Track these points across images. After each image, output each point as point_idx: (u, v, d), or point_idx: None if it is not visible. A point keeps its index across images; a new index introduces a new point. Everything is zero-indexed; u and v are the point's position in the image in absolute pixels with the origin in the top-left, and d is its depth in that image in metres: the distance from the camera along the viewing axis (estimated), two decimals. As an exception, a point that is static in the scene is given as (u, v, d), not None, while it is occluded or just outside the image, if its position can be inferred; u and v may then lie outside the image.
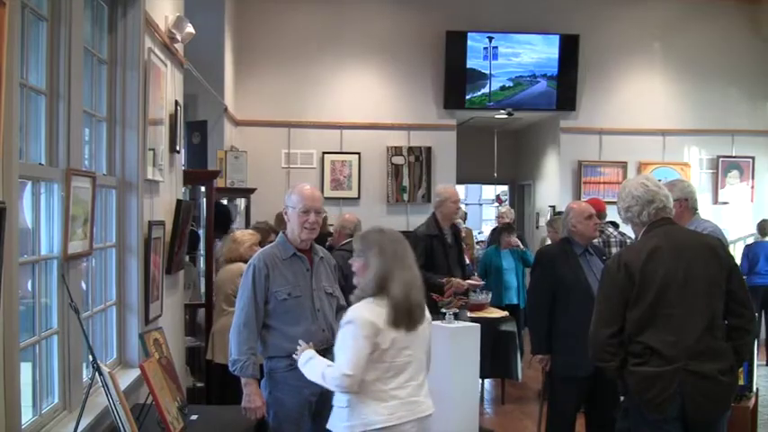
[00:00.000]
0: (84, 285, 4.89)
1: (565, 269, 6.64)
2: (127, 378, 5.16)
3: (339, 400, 4.54)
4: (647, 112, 14.24)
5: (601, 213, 8.42)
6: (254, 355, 5.22)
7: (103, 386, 4.11)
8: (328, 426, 4.66)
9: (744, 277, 12.54)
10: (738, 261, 10.84)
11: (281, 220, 9.64)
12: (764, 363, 12.48)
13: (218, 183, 9.32)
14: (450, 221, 8.34)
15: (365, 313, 4.46)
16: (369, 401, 4.46)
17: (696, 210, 6.56)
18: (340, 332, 4.52)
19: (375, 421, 4.45)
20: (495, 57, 13.62)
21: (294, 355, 4.74)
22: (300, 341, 4.79)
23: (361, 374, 4.38)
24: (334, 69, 13.46)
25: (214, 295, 7.72)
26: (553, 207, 14.52)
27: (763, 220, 13.47)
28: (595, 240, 8.34)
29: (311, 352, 4.70)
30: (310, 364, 4.63)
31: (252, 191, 10.96)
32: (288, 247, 5.40)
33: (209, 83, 9.81)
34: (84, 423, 4.06)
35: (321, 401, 5.35)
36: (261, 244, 7.38)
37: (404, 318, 4.52)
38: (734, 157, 14.56)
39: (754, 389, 6.99)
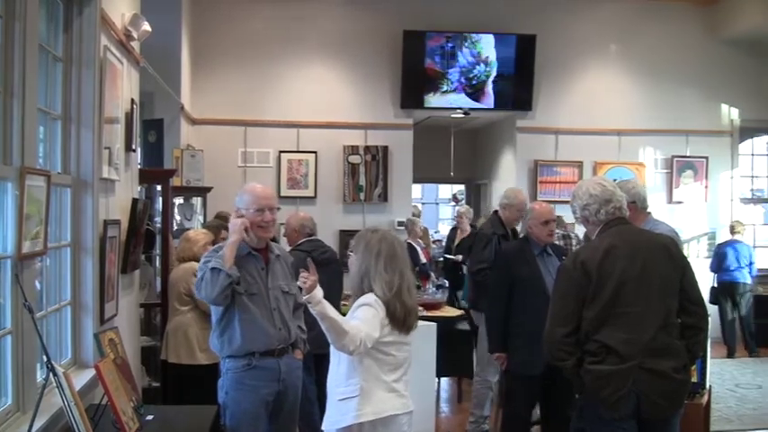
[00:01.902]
0: (38, 285, 4.85)
1: (522, 268, 6.68)
2: (82, 378, 5.11)
3: (344, 392, 4.57)
4: (602, 112, 14.33)
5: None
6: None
7: (58, 387, 4.07)
8: (324, 427, 4.67)
9: (714, 274, 12.89)
10: (691, 260, 11.07)
11: (220, 218, 9.63)
12: (724, 357, 12.73)
13: (175, 181, 9.27)
14: (512, 226, 8.28)
15: (377, 300, 4.57)
16: (378, 391, 4.55)
17: (647, 210, 6.65)
18: (357, 312, 4.57)
19: (384, 409, 4.55)
20: (452, 56, 13.65)
21: (299, 283, 4.50)
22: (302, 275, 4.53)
23: (368, 341, 4.44)
24: (292, 68, 13.43)
25: (168, 294, 7.68)
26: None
27: (735, 221, 13.86)
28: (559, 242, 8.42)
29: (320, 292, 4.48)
30: (327, 305, 4.43)
31: (208, 190, 10.91)
32: (242, 245, 5.38)
33: (166, 81, 9.76)
34: (37, 424, 4.02)
35: (278, 401, 5.36)
36: (213, 243, 7.35)
37: (401, 322, 4.61)
38: (688, 157, 14.69)
39: (707, 386, 7.06)
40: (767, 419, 9.55)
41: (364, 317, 4.49)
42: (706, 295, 13.33)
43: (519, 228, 8.12)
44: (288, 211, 9.34)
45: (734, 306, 13.34)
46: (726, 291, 13.40)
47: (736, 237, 13.52)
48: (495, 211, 8.42)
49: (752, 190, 15.97)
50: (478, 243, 8.19)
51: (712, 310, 13.12)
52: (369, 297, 4.58)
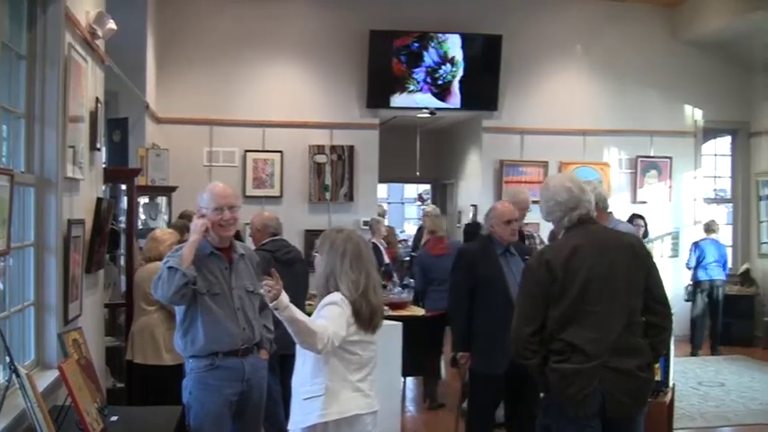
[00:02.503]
0: (0, 285, 4.81)
1: (485, 268, 6.69)
2: (45, 379, 5.07)
3: (309, 392, 4.55)
4: (568, 112, 14.41)
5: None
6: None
7: (21, 388, 4.04)
8: (289, 426, 4.66)
9: (690, 271, 13.11)
10: (655, 259, 11.17)
11: (184, 217, 9.58)
12: (688, 355, 12.85)
13: (140, 181, 9.20)
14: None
15: (344, 299, 4.56)
16: (343, 391, 4.54)
17: (608, 210, 6.73)
18: (323, 311, 4.55)
19: (349, 408, 4.54)
20: (419, 56, 13.66)
21: (262, 291, 4.44)
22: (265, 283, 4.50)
23: (335, 337, 4.42)
24: (258, 68, 13.41)
25: (133, 294, 7.64)
26: (475, 206, 14.62)
27: (711, 221, 14.08)
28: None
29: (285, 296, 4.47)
30: (294, 308, 4.40)
31: (173, 189, 10.85)
32: (205, 245, 5.37)
33: (131, 80, 9.70)
34: (0, 425, 3.98)
35: (242, 401, 5.35)
36: (179, 242, 7.31)
37: (367, 322, 4.61)
38: (652, 157, 14.80)
39: (671, 384, 7.12)
40: (729, 416, 9.65)
41: (330, 315, 4.48)
42: (681, 293, 13.53)
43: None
44: (253, 211, 9.32)
45: (708, 304, 13.49)
46: (702, 289, 13.61)
47: (712, 236, 13.68)
48: None
49: (715, 190, 16.12)
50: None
51: (683, 307, 13.34)
52: (335, 296, 4.57)
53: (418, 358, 9.53)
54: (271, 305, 4.33)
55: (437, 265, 10.15)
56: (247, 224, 8.16)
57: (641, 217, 11.99)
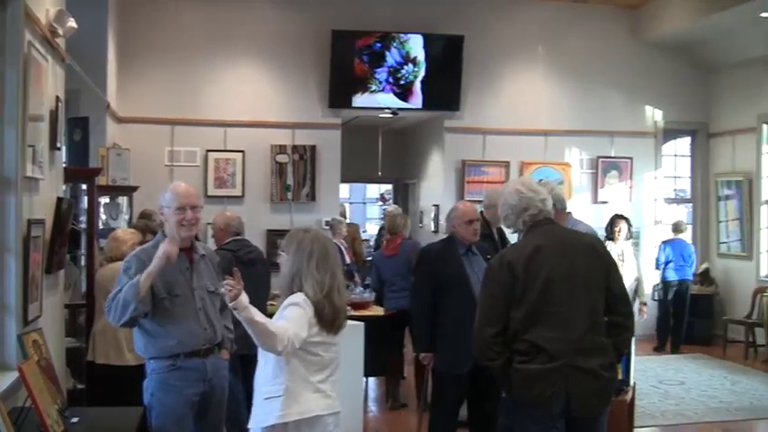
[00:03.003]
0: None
1: (447, 268, 6.70)
2: (4, 381, 5.02)
3: (270, 392, 4.55)
4: (529, 112, 14.47)
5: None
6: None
7: (-20, 389, 4.01)
8: (249, 425, 4.64)
9: (657, 270, 13.12)
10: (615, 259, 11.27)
11: (144, 216, 9.54)
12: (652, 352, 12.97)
13: (100, 180, 9.14)
14: (497, 225, 8.21)
15: (305, 299, 4.55)
16: (303, 392, 4.54)
17: (566, 210, 6.78)
18: (285, 312, 4.55)
19: (310, 409, 4.54)
20: (381, 56, 13.66)
21: (223, 290, 4.41)
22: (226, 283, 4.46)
23: (297, 345, 4.42)
24: (219, 67, 13.36)
25: (95, 295, 7.58)
26: (437, 206, 14.65)
27: (679, 221, 14.32)
28: None
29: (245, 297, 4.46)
30: (253, 309, 4.38)
31: (134, 189, 10.78)
32: (166, 245, 5.34)
33: (92, 79, 9.64)
34: (-40, 427, 3.95)
35: (204, 401, 5.32)
36: (141, 242, 7.27)
37: (330, 323, 4.61)
38: (613, 157, 14.91)
39: (632, 383, 7.17)
40: (689, 414, 9.73)
41: (292, 316, 4.48)
42: (648, 291, 13.67)
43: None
44: (215, 211, 9.30)
45: (674, 303, 13.64)
46: (671, 288, 13.85)
47: (680, 236, 13.84)
48: (481, 212, 8.37)
49: (675, 190, 16.25)
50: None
51: (652, 305, 13.48)
52: (297, 297, 4.57)
53: (380, 358, 9.54)
54: (230, 305, 4.32)
55: (388, 266, 10.22)
56: (209, 224, 8.11)
57: (624, 218, 11.78)
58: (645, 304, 11.34)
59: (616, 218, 11.71)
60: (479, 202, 8.50)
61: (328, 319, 4.59)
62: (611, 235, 11.34)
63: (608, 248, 9.29)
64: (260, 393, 4.64)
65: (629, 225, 11.70)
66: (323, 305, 4.56)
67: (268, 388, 4.58)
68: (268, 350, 4.43)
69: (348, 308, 8.46)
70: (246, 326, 4.35)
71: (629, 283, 9.89)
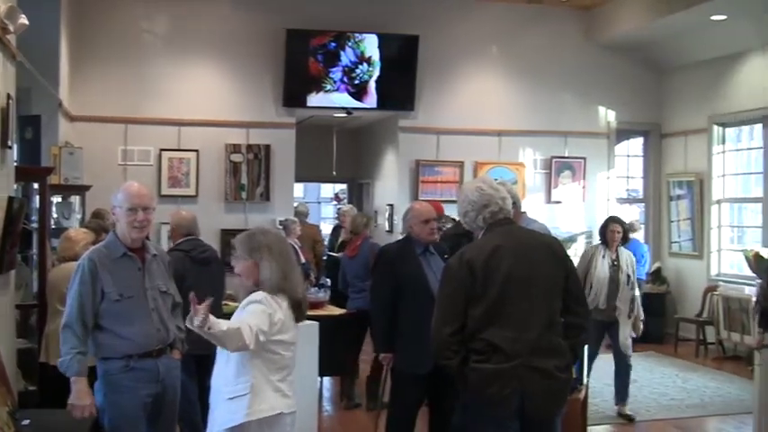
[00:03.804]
0: None
1: (405, 268, 6.70)
2: (-45, 382, 4.98)
3: (234, 391, 4.55)
4: (484, 112, 14.53)
5: (440, 216, 8.55)
6: (81, 354, 5.08)
7: (-70, 391, 3.96)
8: (212, 427, 4.62)
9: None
10: (573, 256, 11.27)
11: (97, 216, 9.47)
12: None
13: (52, 180, 9.07)
14: None
15: (265, 296, 4.58)
16: (267, 390, 4.57)
17: (521, 209, 6.84)
18: (245, 310, 4.57)
19: (273, 407, 4.57)
20: (336, 56, 13.66)
21: (196, 322, 4.38)
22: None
23: (251, 340, 4.41)
24: (174, 66, 13.29)
25: (47, 295, 7.51)
26: (391, 206, 14.67)
27: (634, 220, 14.40)
28: None
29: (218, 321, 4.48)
30: (219, 322, 4.41)
31: (87, 188, 10.70)
32: (118, 246, 5.30)
33: (44, 77, 9.55)
34: None
35: (157, 402, 5.29)
36: (94, 242, 7.21)
37: (300, 315, 4.74)
38: (566, 157, 15.00)
39: (585, 382, 7.23)
40: (641, 412, 9.81)
41: (252, 311, 4.52)
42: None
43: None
44: (169, 211, 9.25)
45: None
46: None
47: (633, 236, 13.91)
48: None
49: (627, 190, 16.36)
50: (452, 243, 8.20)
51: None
52: (258, 294, 4.59)
53: (335, 358, 9.53)
54: (198, 331, 4.33)
55: (350, 266, 10.26)
56: (163, 224, 8.05)
57: (619, 221, 10.17)
58: (642, 321, 9.98)
59: (611, 221, 10.19)
60: (433, 201, 8.54)
61: (294, 303, 4.73)
62: (605, 239, 9.88)
63: (603, 255, 9.45)
64: (221, 394, 4.62)
65: (625, 228, 10.15)
66: (286, 289, 4.70)
67: (231, 388, 4.57)
68: (239, 350, 4.45)
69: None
70: (215, 340, 4.37)
71: (625, 296, 9.55)
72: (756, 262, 9.68)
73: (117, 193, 5.35)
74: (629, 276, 9.62)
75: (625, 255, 9.82)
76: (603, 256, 9.66)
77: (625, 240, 9.99)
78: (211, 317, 4.35)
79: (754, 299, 10.02)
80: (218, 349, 4.55)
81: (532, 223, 7.02)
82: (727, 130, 14.32)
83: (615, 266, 9.63)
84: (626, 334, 9.57)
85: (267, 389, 4.58)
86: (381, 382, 7.67)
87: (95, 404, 5.20)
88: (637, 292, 9.84)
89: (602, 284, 9.51)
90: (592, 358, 9.21)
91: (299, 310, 4.79)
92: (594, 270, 9.58)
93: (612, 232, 9.78)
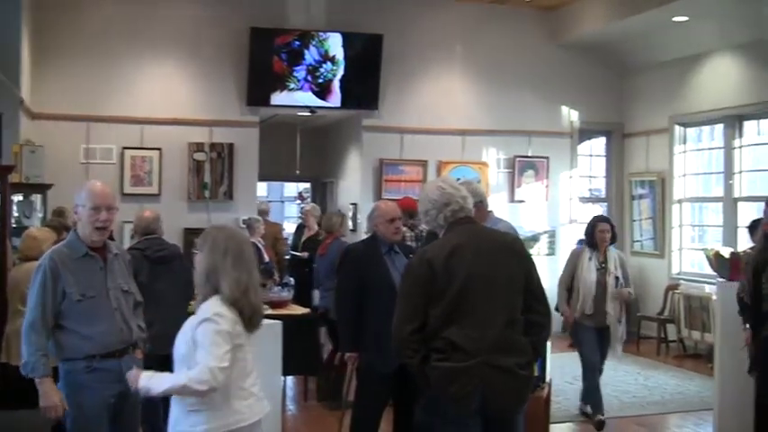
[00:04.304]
0: None
1: (370, 267, 6.71)
2: None
3: (194, 403, 4.35)
4: (447, 112, 14.57)
5: (412, 211, 8.57)
6: (45, 356, 5.05)
7: None
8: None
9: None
10: (536, 255, 11.29)
11: (58, 214, 9.43)
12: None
13: (13, 178, 9.01)
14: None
15: (219, 309, 4.37)
16: (231, 400, 4.38)
17: (487, 207, 6.86)
18: (197, 332, 4.34)
19: (236, 420, 4.38)
20: (300, 55, 13.64)
21: (131, 386, 4.51)
22: (128, 374, 4.58)
23: (230, 368, 4.29)
24: (137, 64, 13.20)
25: (8, 295, 7.46)
26: (355, 205, 14.67)
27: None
28: (408, 234, 8.47)
29: (145, 372, 4.50)
30: (158, 379, 4.40)
31: (48, 187, 10.63)
32: (79, 245, 5.26)
33: (5, 74, 9.50)
34: None
35: (120, 402, 5.25)
36: (56, 241, 7.17)
37: (248, 321, 4.48)
38: (530, 157, 15.06)
39: (547, 379, 7.27)
40: (604, 409, 9.85)
41: (204, 340, 4.30)
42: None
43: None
44: (132, 209, 9.22)
45: None
46: None
47: None
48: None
49: (590, 189, 16.46)
50: (427, 242, 8.20)
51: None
52: (206, 311, 4.40)
53: (299, 357, 9.52)
54: (144, 393, 4.39)
55: (321, 265, 10.30)
56: (126, 223, 8.00)
57: (606, 220, 9.62)
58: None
59: (598, 220, 9.56)
60: (405, 197, 8.55)
61: (247, 317, 4.46)
62: (592, 241, 9.26)
63: (590, 257, 9.03)
64: (182, 403, 4.43)
65: (613, 227, 9.45)
66: (242, 304, 4.44)
67: (192, 399, 4.40)
68: (206, 395, 4.30)
69: (265, 306, 8.47)
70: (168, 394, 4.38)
71: (612, 309, 9.09)
72: (717, 261, 9.75)
73: (80, 191, 5.31)
74: (617, 279, 9.15)
75: (614, 256, 9.30)
76: (590, 258, 9.16)
77: (613, 240, 9.37)
78: (161, 376, 4.40)
79: (714, 297, 10.12)
80: (178, 354, 4.46)
81: (499, 222, 7.04)
82: (689, 130, 14.45)
83: (603, 269, 9.13)
84: (617, 341, 9.27)
85: (235, 400, 4.40)
86: (346, 382, 7.67)
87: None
88: (630, 290, 9.42)
89: (589, 288, 9.04)
90: (594, 368, 9.21)
91: (251, 322, 4.52)
92: (581, 273, 9.14)
93: (602, 232, 9.18)
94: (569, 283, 9.29)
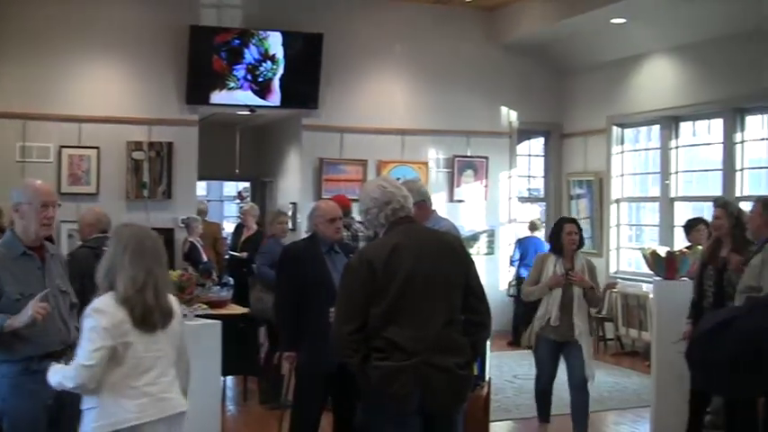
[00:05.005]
0: None
1: (309, 266, 6.70)
2: None
3: (87, 402, 4.37)
4: (387, 111, 14.58)
5: (346, 209, 8.58)
6: None
7: None
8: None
9: (512, 266, 12.79)
10: (475, 254, 11.31)
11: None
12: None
13: (-53, 177, 8.89)
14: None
15: (106, 305, 4.35)
16: (120, 399, 4.35)
17: (431, 206, 6.88)
18: (82, 325, 4.37)
19: (125, 419, 4.33)
20: (239, 53, 13.57)
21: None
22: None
23: (100, 366, 4.26)
24: (74, 61, 13.02)
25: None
26: (294, 204, 14.63)
27: (536, 219, 14.85)
28: (345, 233, 8.47)
29: (55, 366, 4.53)
30: (53, 371, 4.46)
31: (-18, 185, 10.49)
32: (17, 245, 5.21)
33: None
34: None
35: (58, 406, 5.19)
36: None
37: (139, 320, 4.41)
38: (469, 156, 15.12)
39: (487, 378, 7.31)
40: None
41: (82, 337, 4.36)
42: (497, 290, 14.05)
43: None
44: (69, 209, 9.12)
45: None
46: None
47: (536, 234, 14.17)
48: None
49: (529, 189, 16.58)
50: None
51: (505, 303, 13.89)
52: (90, 306, 4.42)
53: (239, 357, 9.49)
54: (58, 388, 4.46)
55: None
56: (63, 222, 7.88)
57: (573, 221, 8.70)
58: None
59: (564, 221, 8.69)
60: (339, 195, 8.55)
61: (137, 317, 4.41)
62: (557, 245, 8.29)
63: (555, 263, 8.14)
64: (82, 402, 4.47)
65: (580, 230, 8.40)
66: (134, 302, 4.41)
67: (86, 398, 4.41)
68: (78, 390, 4.37)
69: (204, 306, 8.47)
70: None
71: (583, 311, 8.21)
72: (653, 260, 9.86)
73: (24, 190, 5.28)
74: (584, 290, 8.16)
75: (581, 262, 8.28)
76: (556, 265, 8.15)
77: (580, 245, 8.29)
78: (55, 370, 4.47)
79: (651, 296, 10.24)
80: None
81: (441, 221, 7.06)
82: (626, 130, 14.62)
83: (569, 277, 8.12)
84: (588, 357, 8.30)
85: (123, 399, 4.36)
86: (285, 382, 7.66)
87: None
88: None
89: (554, 298, 8.11)
90: (548, 381, 8.57)
91: (144, 321, 4.45)
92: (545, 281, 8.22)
93: (569, 235, 8.17)
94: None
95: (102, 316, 4.33)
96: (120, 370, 4.36)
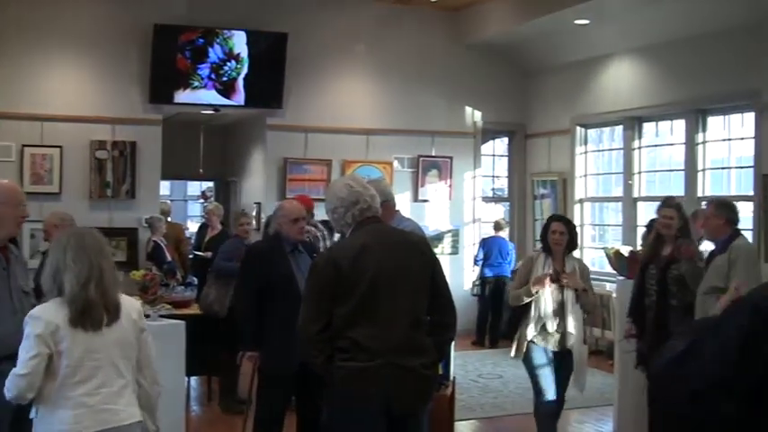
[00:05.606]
0: None
1: (273, 266, 6.70)
2: None
3: (32, 411, 4.31)
4: (352, 111, 14.58)
5: (308, 209, 8.57)
6: None
7: None
8: None
9: (476, 266, 12.79)
10: (440, 254, 11.33)
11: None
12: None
13: None
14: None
15: (43, 312, 4.29)
16: (55, 409, 4.24)
17: (395, 206, 6.89)
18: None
19: (61, 430, 4.23)
20: (204, 52, 13.51)
21: None
22: None
23: (37, 374, 4.18)
24: (36, 59, 12.90)
25: None
26: (259, 204, 14.60)
27: (500, 219, 14.96)
28: (318, 233, 8.44)
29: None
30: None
31: (-57, 185, 10.38)
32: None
33: None
34: None
35: (20, 406, 5.15)
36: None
37: (80, 316, 4.28)
38: (433, 156, 15.15)
39: (452, 377, 7.33)
40: (507, 407, 10.02)
41: (21, 345, 4.29)
42: (461, 289, 14.08)
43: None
44: (32, 209, 9.01)
45: (492, 299, 13.97)
46: (490, 284, 14.17)
47: (500, 233, 14.23)
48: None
49: (493, 189, 16.65)
50: None
51: (470, 302, 13.90)
52: (30, 312, 4.38)
53: (203, 357, 9.46)
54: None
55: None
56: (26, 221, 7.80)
57: (562, 219, 7.98)
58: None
59: (552, 219, 7.90)
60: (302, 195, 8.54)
61: (78, 312, 4.26)
62: (546, 244, 7.56)
63: (544, 265, 7.36)
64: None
65: (572, 229, 7.72)
66: (78, 299, 4.28)
67: (29, 407, 4.35)
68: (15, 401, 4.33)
69: (168, 306, 8.44)
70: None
71: (577, 318, 7.38)
72: (616, 259, 9.93)
73: None
74: (577, 293, 7.38)
75: (573, 263, 7.55)
76: (545, 266, 7.40)
77: (572, 246, 7.65)
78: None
79: (614, 295, 10.29)
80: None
81: (405, 221, 7.06)
82: (590, 131, 14.71)
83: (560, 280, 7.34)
84: (583, 365, 7.64)
85: (59, 409, 4.24)
86: (249, 382, 7.64)
87: None
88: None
89: (545, 303, 7.31)
90: (554, 397, 7.50)
91: (80, 312, 4.29)
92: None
93: (554, 233, 7.44)
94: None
95: (37, 323, 4.24)
96: (55, 379, 4.24)
